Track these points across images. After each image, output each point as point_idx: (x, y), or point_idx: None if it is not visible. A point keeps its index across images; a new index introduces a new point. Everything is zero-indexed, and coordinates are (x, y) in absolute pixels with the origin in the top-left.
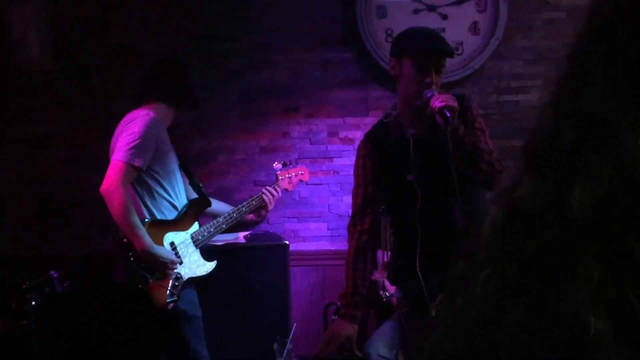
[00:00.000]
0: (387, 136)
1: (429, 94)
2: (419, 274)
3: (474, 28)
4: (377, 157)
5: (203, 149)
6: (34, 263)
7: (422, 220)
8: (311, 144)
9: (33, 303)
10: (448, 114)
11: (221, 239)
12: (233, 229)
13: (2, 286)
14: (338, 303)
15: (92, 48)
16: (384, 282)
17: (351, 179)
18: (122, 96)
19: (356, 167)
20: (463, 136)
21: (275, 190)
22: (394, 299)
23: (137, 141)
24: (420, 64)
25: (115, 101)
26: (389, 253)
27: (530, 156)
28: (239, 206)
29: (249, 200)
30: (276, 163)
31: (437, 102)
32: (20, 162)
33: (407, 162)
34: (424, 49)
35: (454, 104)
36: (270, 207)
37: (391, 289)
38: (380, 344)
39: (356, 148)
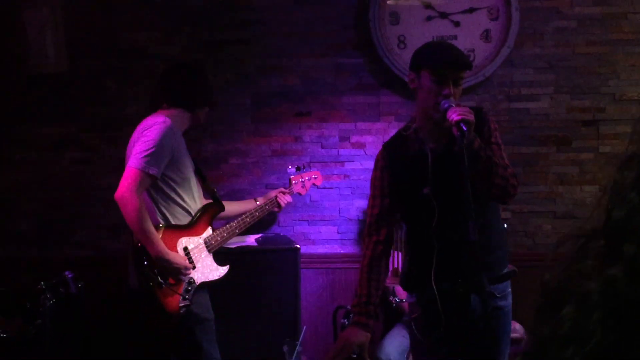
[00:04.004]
0: (405, 149)
1: (446, 105)
2: (433, 284)
3: (486, 36)
4: (395, 169)
5: (215, 151)
6: (46, 264)
7: (438, 233)
8: (322, 148)
9: (49, 303)
10: (464, 128)
11: (233, 242)
12: (245, 231)
13: (16, 287)
14: (348, 307)
15: (105, 51)
16: (394, 288)
17: (361, 183)
18: (134, 99)
19: (373, 178)
20: (478, 150)
21: (289, 194)
22: (405, 305)
23: (153, 149)
24: (438, 76)
25: (128, 104)
26: (399, 255)
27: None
28: (252, 210)
29: (262, 205)
30: (290, 167)
31: (454, 115)
32: (33, 164)
33: (425, 175)
34: (442, 61)
35: (471, 117)
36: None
37: (402, 294)
38: (391, 349)
39: (367, 153)
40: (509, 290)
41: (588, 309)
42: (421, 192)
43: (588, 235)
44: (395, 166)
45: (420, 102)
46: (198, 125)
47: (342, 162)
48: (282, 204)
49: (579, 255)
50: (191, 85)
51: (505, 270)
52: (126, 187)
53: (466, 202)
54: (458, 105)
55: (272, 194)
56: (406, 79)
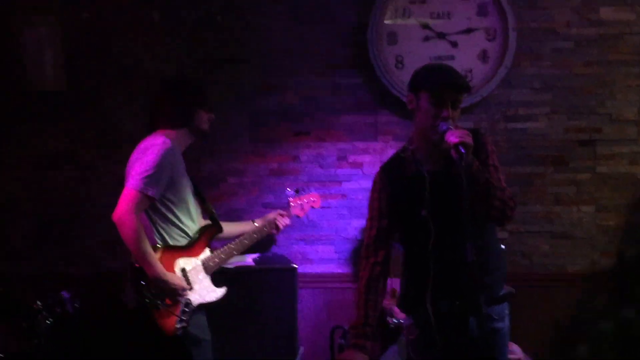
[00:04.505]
0: (403, 171)
1: (444, 127)
2: (429, 304)
3: (483, 56)
4: (393, 191)
5: (213, 171)
6: (43, 281)
7: (435, 254)
8: (320, 167)
9: (46, 322)
10: (463, 150)
11: (230, 261)
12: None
13: (13, 305)
14: (345, 326)
15: (103, 69)
16: (391, 308)
17: (359, 203)
18: (132, 117)
19: (371, 200)
20: (476, 172)
21: (287, 217)
22: (402, 326)
23: (151, 171)
24: (437, 99)
25: (125, 121)
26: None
27: None
28: (250, 233)
29: (261, 227)
30: (288, 189)
31: (453, 137)
32: (30, 180)
33: (422, 197)
34: (441, 83)
35: (469, 140)
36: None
37: (399, 315)
38: None
39: (365, 172)
40: (507, 312)
41: (602, 349)
42: (419, 214)
43: (601, 273)
44: (393, 188)
45: (419, 124)
46: (203, 134)
47: (340, 182)
48: (281, 227)
49: (592, 294)
50: (180, 103)
51: (503, 292)
52: (124, 208)
53: (464, 224)
54: (456, 127)
55: (271, 216)
56: (404, 99)
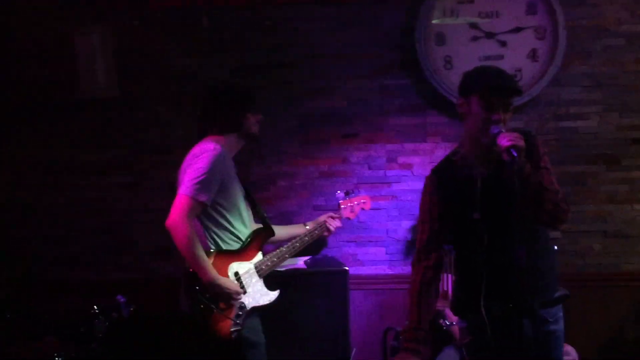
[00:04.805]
0: (454, 174)
1: (495, 130)
2: (482, 309)
3: (533, 55)
4: (444, 194)
5: (263, 174)
6: (96, 287)
7: (487, 257)
8: (370, 169)
9: (103, 326)
10: (515, 153)
11: (282, 264)
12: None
13: (69, 310)
14: (397, 328)
15: (154, 76)
16: (444, 310)
17: (409, 204)
18: (182, 122)
19: (422, 203)
20: (529, 175)
21: (338, 219)
22: (455, 328)
23: (203, 177)
24: (488, 102)
25: (176, 127)
26: (450, 278)
27: None
28: (302, 236)
29: (312, 229)
30: (339, 192)
31: (505, 140)
32: (82, 187)
33: (474, 200)
34: (492, 87)
35: (521, 143)
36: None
37: (452, 317)
38: None
39: (414, 173)
40: (561, 314)
41: None
42: (470, 217)
43: None
44: (444, 191)
45: (469, 127)
46: (253, 137)
47: (389, 183)
48: (332, 229)
49: None
50: (228, 109)
51: (557, 294)
52: (177, 214)
53: (515, 227)
54: (508, 130)
55: (322, 218)
56: (453, 100)
